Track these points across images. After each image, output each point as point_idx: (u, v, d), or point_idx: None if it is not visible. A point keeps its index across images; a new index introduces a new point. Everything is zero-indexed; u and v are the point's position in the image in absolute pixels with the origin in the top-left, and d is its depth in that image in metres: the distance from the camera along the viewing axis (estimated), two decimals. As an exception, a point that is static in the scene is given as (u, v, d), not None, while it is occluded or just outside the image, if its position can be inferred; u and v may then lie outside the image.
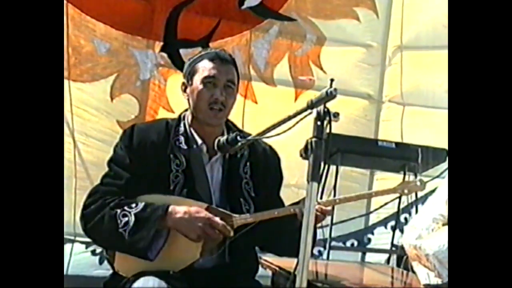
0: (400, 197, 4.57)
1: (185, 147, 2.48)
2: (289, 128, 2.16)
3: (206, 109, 2.46)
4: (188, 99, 2.53)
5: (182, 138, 2.49)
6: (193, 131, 2.51)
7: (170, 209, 2.35)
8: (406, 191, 2.45)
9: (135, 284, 2.30)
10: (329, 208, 2.39)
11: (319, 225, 2.54)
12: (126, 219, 2.32)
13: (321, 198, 2.34)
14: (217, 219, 2.34)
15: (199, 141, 2.50)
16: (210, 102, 2.45)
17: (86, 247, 4.45)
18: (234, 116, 2.64)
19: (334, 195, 4.16)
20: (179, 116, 2.57)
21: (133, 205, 2.35)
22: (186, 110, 2.57)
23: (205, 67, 2.48)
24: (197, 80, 2.49)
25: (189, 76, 2.52)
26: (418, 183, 2.43)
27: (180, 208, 2.35)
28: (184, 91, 2.55)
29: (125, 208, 2.34)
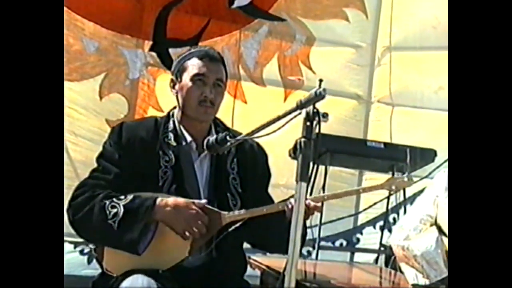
0: (388, 197, 4.58)
1: (174, 144, 2.49)
2: (279, 128, 2.17)
3: (196, 105, 2.47)
4: (177, 96, 2.54)
5: (171, 135, 2.50)
6: (182, 128, 2.52)
7: (158, 200, 2.35)
8: (394, 187, 2.45)
9: (124, 283, 2.30)
10: (319, 204, 2.38)
11: (308, 224, 2.54)
12: (115, 210, 2.32)
13: (310, 197, 2.34)
14: (203, 213, 2.34)
15: (189, 139, 2.50)
16: (200, 100, 2.47)
17: (75, 247, 4.44)
18: (224, 116, 2.64)
19: (323, 195, 4.17)
20: (168, 113, 2.58)
21: (122, 196, 2.35)
22: (175, 107, 2.58)
23: (194, 65, 2.49)
24: (186, 77, 2.50)
25: (178, 73, 2.53)
26: (406, 179, 2.43)
27: (169, 200, 2.35)
28: (173, 87, 2.55)
29: (114, 199, 2.34)
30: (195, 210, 2.34)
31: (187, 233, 2.34)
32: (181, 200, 2.36)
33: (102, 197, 2.35)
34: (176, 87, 2.53)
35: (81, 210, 2.36)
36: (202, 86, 2.47)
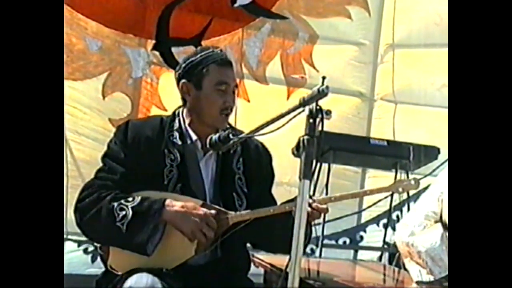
0: (392, 195, 4.58)
1: (180, 142, 2.49)
2: (282, 126, 2.17)
3: (217, 115, 2.47)
4: (191, 101, 2.51)
5: (176, 134, 2.50)
6: (187, 127, 2.52)
7: (167, 202, 2.36)
8: (400, 189, 2.47)
9: (128, 281, 2.30)
10: (325, 206, 2.39)
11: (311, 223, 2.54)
12: (124, 212, 2.32)
13: (313, 195, 2.34)
14: (212, 218, 2.35)
15: (194, 137, 2.50)
16: (222, 108, 2.47)
17: (78, 246, 4.45)
18: (227, 114, 2.64)
19: (326, 193, 4.17)
20: (174, 112, 2.57)
21: (130, 198, 2.35)
22: (180, 106, 2.57)
23: (217, 73, 2.48)
24: (208, 85, 2.47)
25: (194, 78, 2.49)
26: (412, 182, 2.45)
27: (177, 203, 2.36)
28: (187, 93, 2.51)
29: (122, 201, 2.34)
30: (203, 213, 2.35)
31: (194, 236, 2.35)
32: (189, 203, 2.37)
33: (109, 199, 2.35)
34: (192, 93, 2.51)
35: (89, 212, 2.36)
36: (224, 95, 2.47)
